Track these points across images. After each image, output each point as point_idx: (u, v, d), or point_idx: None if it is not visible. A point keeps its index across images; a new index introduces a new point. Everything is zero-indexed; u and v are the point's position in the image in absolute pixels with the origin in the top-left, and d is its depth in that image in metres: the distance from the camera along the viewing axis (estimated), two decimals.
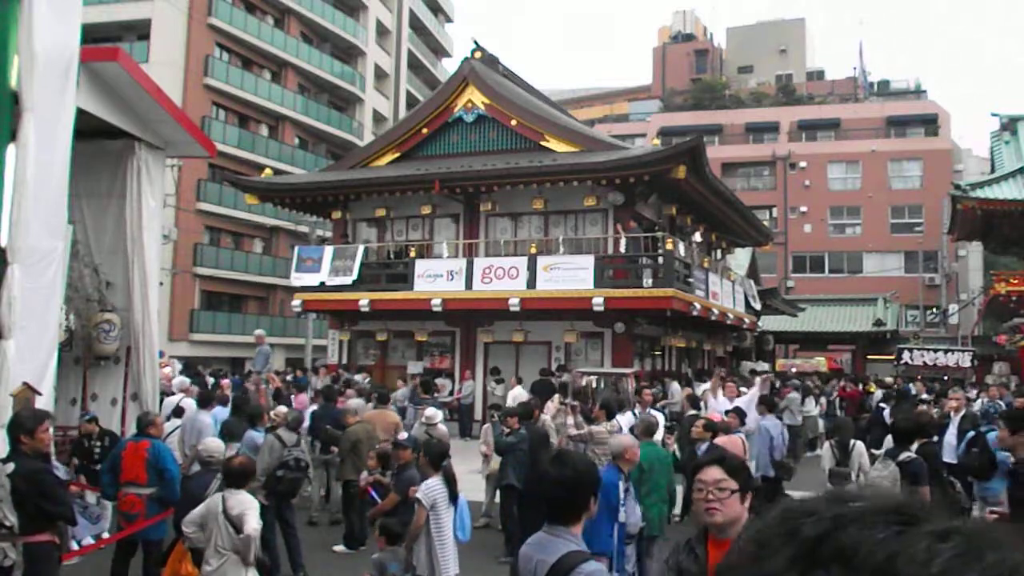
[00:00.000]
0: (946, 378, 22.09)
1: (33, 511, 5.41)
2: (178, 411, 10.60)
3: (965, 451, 9.38)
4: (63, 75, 7.35)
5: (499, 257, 18.68)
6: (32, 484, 5.41)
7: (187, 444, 9.70)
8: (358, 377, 17.19)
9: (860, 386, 22.10)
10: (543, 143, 19.14)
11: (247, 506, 5.63)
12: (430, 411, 10.50)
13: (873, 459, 7.66)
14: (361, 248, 19.97)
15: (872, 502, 0.71)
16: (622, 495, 6.31)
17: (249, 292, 35.71)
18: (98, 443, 8.99)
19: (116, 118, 9.48)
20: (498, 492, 9.68)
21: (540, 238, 19.07)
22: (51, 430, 6.04)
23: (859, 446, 8.68)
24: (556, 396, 12.06)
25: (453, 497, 6.15)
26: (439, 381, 17.41)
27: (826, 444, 9.21)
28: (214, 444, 7.04)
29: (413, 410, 12.40)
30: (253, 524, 5.52)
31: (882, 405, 15.73)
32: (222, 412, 10.83)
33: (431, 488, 6.12)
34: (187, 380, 13.35)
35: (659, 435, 11.07)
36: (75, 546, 8.11)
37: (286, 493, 8.32)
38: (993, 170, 26.06)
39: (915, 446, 7.66)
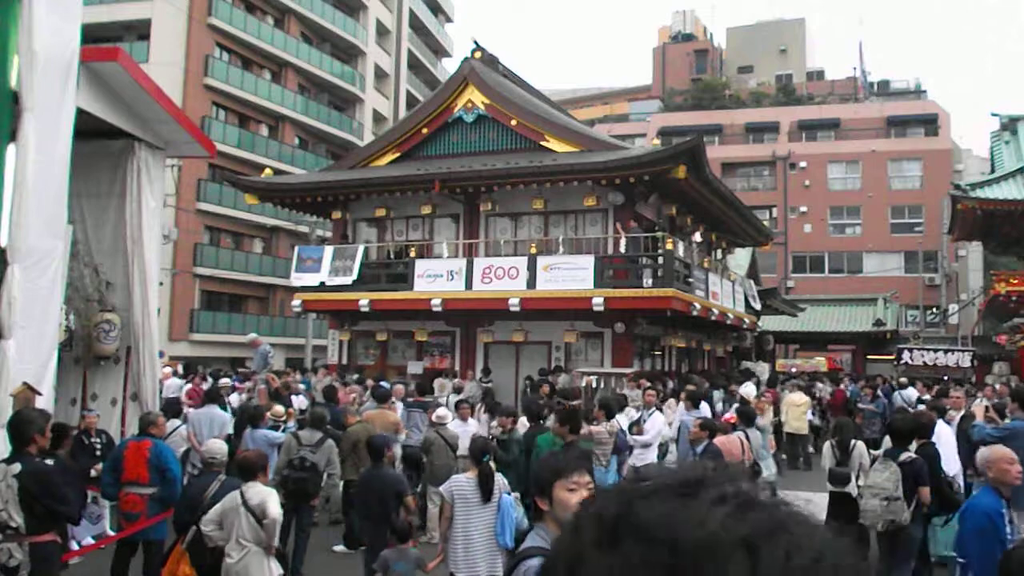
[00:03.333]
0: (946, 378, 22.07)
1: (40, 511, 5.43)
2: (176, 411, 10.61)
3: (972, 451, 9.35)
4: (63, 75, 7.35)
5: (499, 257, 18.67)
6: (41, 484, 5.43)
7: (206, 437, 9.72)
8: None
9: (841, 386, 22.07)
10: (543, 143, 19.13)
11: (266, 494, 5.80)
12: (441, 411, 10.46)
13: (873, 460, 7.66)
14: (361, 248, 19.96)
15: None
16: (1008, 527, 4.62)
17: (249, 292, 35.72)
18: (98, 440, 9.00)
19: (116, 118, 9.48)
20: None
21: (540, 238, 19.06)
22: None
23: (860, 446, 8.69)
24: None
25: (487, 495, 5.96)
26: (439, 381, 17.37)
27: (826, 444, 9.22)
28: (216, 445, 7.03)
29: (404, 412, 12.35)
30: (276, 510, 5.73)
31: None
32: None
33: (453, 483, 6.04)
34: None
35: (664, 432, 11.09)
36: (75, 546, 8.11)
37: (295, 493, 8.24)
38: (993, 170, 26.06)
39: (914, 446, 7.68)
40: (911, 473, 6.84)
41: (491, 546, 5.90)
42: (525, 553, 2.89)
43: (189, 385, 14.93)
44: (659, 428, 10.90)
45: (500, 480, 6.12)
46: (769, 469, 11.06)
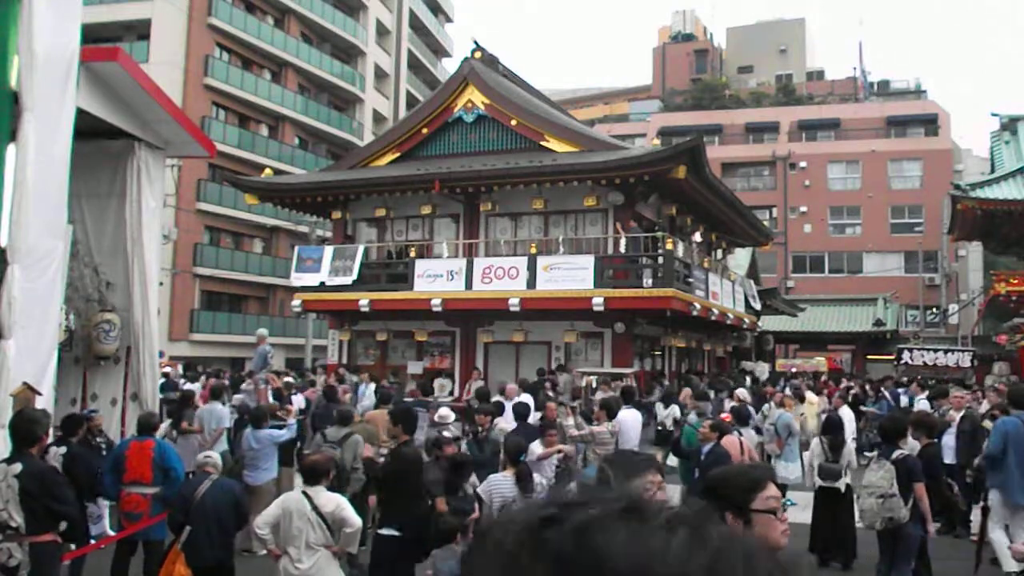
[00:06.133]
0: (945, 378, 22.04)
1: (41, 511, 5.43)
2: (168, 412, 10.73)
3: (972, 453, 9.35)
4: (63, 75, 7.35)
5: (499, 257, 18.67)
6: (41, 484, 5.43)
7: (207, 431, 10.00)
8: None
9: (840, 385, 22.00)
10: (543, 143, 19.13)
11: (340, 502, 5.81)
12: (443, 411, 10.48)
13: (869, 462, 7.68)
14: (361, 248, 19.95)
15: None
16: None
17: (249, 292, 35.73)
18: (103, 440, 9.00)
19: (116, 118, 9.49)
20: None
21: (540, 238, 19.05)
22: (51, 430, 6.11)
23: (848, 443, 8.72)
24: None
25: (528, 494, 5.99)
26: (439, 381, 17.38)
27: (815, 440, 9.25)
28: (215, 452, 7.16)
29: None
30: (357, 519, 5.77)
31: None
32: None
33: (491, 483, 6.06)
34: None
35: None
36: (72, 546, 8.11)
37: None
38: (993, 170, 26.03)
39: (918, 445, 7.71)
40: (905, 470, 6.88)
41: None
42: None
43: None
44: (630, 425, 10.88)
45: (539, 479, 6.16)
46: (793, 473, 11.06)
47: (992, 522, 8.20)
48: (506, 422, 10.08)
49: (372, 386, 15.73)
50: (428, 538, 6.31)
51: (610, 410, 9.67)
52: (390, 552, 6.27)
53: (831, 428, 9.01)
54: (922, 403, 14.48)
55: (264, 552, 6.20)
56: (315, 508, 5.68)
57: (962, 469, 9.92)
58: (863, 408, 17.18)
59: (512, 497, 5.94)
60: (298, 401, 13.38)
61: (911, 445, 7.79)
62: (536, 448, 8.37)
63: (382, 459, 8.67)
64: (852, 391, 18.89)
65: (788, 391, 15.66)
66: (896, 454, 7.03)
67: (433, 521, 6.48)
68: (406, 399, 12.84)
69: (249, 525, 6.82)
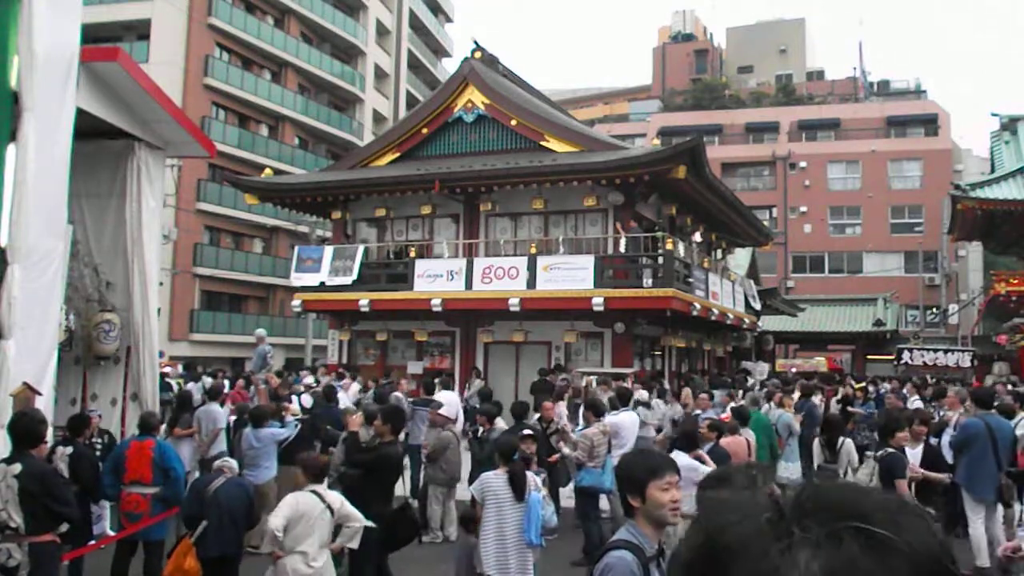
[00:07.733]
0: (944, 378, 22.01)
1: (41, 512, 5.43)
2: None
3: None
4: (63, 75, 7.36)
5: (499, 257, 18.68)
6: (41, 484, 5.44)
7: (204, 431, 10.14)
8: (309, 379, 16.61)
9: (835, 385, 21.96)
10: (543, 143, 19.13)
11: (343, 499, 5.89)
12: (446, 410, 10.52)
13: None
14: (361, 248, 19.96)
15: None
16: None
17: (249, 292, 35.72)
18: (99, 441, 9.01)
19: (116, 118, 9.49)
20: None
21: (540, 238, 19.06)
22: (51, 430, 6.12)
23: (848, 443, 8.72)
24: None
25: (520, 494, 5.96)
26: (440, 381, 17.35)
27: (816, 441, 9.25)
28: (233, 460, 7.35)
29: (411, 411, 12.34)
30: (360, 514, 5.84)
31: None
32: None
33: (484, 481, 6.06)
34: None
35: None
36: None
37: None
38: (993, 170, 26.04)
39: (920, 444, 7.77)
40: (886, 467, 6.93)
41: (522, 544, 5.89)
42: (613, 544, 2.99)
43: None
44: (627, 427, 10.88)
45: (532, 478, 6.13)
46: (794, 473, 11.05)
47: (972, 518, 8.32)
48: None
49: (356, 386, 15.74)
50: (391, 537, 6.37)
51: (596, 409, 9.63)
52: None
53: (827, 427, 9.01)
54: (916, 404, 14.47)
55: (267, 551, 6.21)
56: (328, 506, 5.73)
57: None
58: (851, 408, 17.16)
59: (504, 496, 5.93)
60: (305, 400, 13.33)
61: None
62: (682, 458, 6.84)
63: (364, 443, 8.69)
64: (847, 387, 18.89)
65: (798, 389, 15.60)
66: (880, 451, 7.11)
67: (405, 521, 6.51)
68: (407, 399, 12.84)
69: (261, 524, 6.87)
